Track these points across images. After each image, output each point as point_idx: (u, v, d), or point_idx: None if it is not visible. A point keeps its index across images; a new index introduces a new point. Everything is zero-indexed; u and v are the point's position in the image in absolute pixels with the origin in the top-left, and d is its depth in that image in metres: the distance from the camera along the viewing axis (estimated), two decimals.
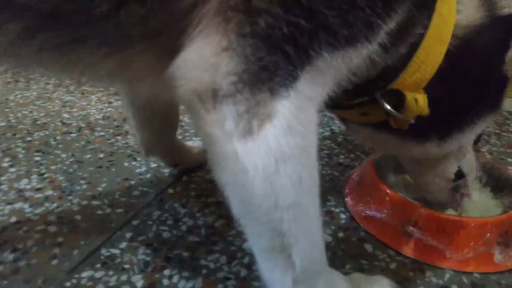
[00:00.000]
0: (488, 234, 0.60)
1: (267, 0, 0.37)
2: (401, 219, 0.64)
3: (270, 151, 0.37)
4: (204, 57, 0.37)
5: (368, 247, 0.64)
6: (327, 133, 1.04)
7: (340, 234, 0.67)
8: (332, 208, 0.73)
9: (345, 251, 0.63)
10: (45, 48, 0.41)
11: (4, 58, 0.46)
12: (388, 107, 0.50)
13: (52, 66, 0.46)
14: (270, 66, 0.37)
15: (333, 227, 0.68)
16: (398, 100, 0.50)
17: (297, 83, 0.38)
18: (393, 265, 0.61)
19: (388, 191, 0.66)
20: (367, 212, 0.69)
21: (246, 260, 0.60)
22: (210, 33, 0.37)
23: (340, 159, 0.91)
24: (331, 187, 0.80)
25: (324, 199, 0.75)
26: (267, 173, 0.38)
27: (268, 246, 0.41)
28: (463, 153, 0.62)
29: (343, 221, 0.70)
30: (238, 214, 0.42)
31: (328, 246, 0.64)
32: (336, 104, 0.51)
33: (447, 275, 0.59)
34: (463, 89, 0.53)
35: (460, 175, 0.63)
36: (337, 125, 1.08)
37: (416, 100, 0.50)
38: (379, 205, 0.67)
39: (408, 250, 0.63)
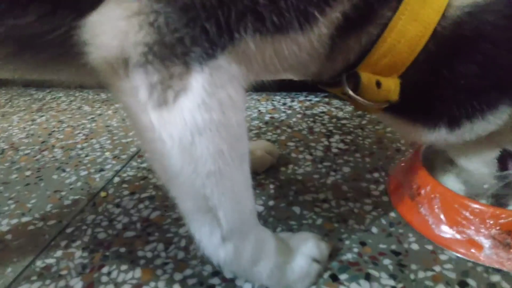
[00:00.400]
0: (482, 224, 0.55)
1: None
2: (410, 181, 0.66)
3: (185, 123, 0.37)
4: (113, 21, 0.35)
5: (296, 209, 0.68)
6: (254, 114, 1.07)
7: (271, 203, 0.71)
8: (262, 181, 0.77)
9: (275, 217, 0.67)
10: (34, 63, 0.44)
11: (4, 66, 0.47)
12: (347, 88, 0.48)
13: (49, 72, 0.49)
14: (186, 40, 0.35)
15: (263, 198, 0.72)
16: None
17: (216, 60, 0.37)
18: (319, 221, 0.65)
19: (415, 157, 0.68)
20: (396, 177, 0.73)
21: (182, 243, 0.62)
22: None
23: (268, 136, 0.95)
24: None
25: (255, 173, 0.79)
26: (184, 144, 0.38)
27: (194, 208, 0.43)
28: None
29: (272, 191, 0.74)
30: (162, 179, 0.43)
31: (260, 215, 0.68)
32: (322, 81, 0.52)
33: (367, 221, 0.65)
34: (462, 75, 0.47)
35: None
36: (264, 106, 1.12)
37: (379, 83, 0.47)
38: (405, 169, 0.71)
39: (407, 215, 0.64)
